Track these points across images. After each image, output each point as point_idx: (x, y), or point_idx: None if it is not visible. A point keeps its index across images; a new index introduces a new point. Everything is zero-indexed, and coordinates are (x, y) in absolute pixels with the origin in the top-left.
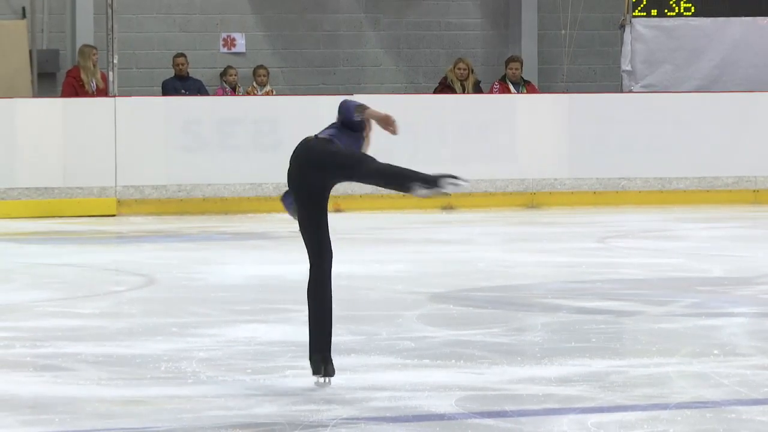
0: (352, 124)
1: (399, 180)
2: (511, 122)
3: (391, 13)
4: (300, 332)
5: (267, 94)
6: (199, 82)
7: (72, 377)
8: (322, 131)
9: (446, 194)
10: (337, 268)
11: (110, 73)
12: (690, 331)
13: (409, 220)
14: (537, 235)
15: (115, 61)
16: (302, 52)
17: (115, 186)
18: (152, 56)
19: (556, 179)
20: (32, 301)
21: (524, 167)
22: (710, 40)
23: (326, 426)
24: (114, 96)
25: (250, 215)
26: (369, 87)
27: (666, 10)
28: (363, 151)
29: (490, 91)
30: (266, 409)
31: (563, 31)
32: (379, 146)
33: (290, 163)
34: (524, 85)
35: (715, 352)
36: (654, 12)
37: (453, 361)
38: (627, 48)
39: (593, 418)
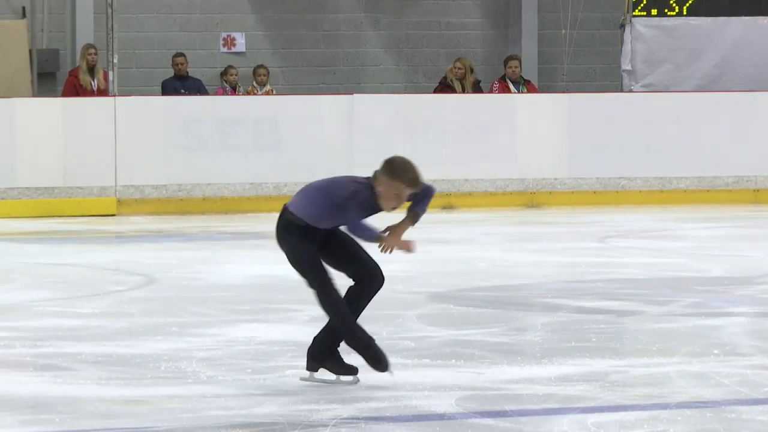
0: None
1: (332, 329)
2: (511, 122)
3: (391, 12)
4: (300, 332)
5: (267, 93)
6: (199, 81)
7: (72, 377)
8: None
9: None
10: None
11: (110, 73)
12: (690, 330)
13: None
14: (537, 235)
15: (115, 61)
16: (302, 51)
17: (115, 186)
18: (152, 56)
19: (556, 179)
20: (32, 301)
21: (524, 167)
22: (710, 40)
23: (326, 426)
24: (114, 96)
25: (250, 215)
26: (369, 87)
27: (666, 10)
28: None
29: (490, 91)
30: (266, 409)
31: (563, 31)
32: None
33: None
34: (524, 84)
35: (716, 351)
36: (654, 11)
37: (453, 360)
38: (627, 47)
39: (593, 418)
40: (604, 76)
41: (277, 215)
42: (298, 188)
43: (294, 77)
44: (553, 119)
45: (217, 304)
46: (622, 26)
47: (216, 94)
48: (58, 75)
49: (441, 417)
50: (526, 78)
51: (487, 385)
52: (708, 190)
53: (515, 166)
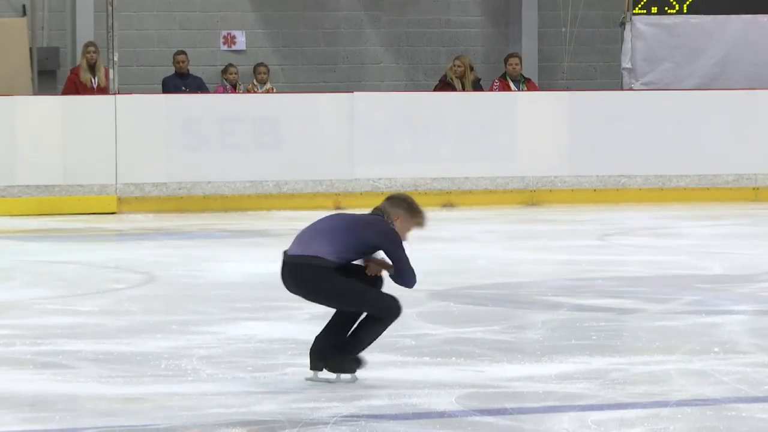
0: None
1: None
2: (511, 120)
3: (392, 10)
4: (300, 330)
5: (267, 91)
6: (200, 79)
7: (72, 375)
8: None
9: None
10: None
11: (110, 71)
12: (690, 328)
13: None
14: (537, 233)
15: (116, 59)
16: (302, 49)
17: (116, 183)
18: (152, 54)
19: (556, 177)
20: (32, 299)
21: (524, 165)
22: (710, 38)
23: (326, 423)
24: (114, 93)
25: (250, 213)
26: (369, 85)
27: (666, 8)
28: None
29: (491, 89)
30: (266, 407)
31: (563, 29)
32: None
33: None
34: (524, 82)
35: (716, 349)
36: (654, 9)
37: (453, 358)
38: (627, 46)
39: (593, 416)
40: (605, 74)
41: (277, 215)
42: (299, 186)
43: (294, 75)
44: (554, 117)
45: (217, 302)
46: (623, 24)
47: (216, 92)
48: (58, 73)
49: (441, 415)
50: (526, 76)
51: (487, 383)
52: (708, 188)
53: (515, 164)
